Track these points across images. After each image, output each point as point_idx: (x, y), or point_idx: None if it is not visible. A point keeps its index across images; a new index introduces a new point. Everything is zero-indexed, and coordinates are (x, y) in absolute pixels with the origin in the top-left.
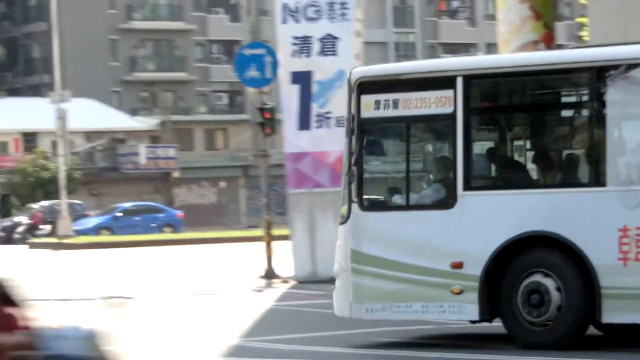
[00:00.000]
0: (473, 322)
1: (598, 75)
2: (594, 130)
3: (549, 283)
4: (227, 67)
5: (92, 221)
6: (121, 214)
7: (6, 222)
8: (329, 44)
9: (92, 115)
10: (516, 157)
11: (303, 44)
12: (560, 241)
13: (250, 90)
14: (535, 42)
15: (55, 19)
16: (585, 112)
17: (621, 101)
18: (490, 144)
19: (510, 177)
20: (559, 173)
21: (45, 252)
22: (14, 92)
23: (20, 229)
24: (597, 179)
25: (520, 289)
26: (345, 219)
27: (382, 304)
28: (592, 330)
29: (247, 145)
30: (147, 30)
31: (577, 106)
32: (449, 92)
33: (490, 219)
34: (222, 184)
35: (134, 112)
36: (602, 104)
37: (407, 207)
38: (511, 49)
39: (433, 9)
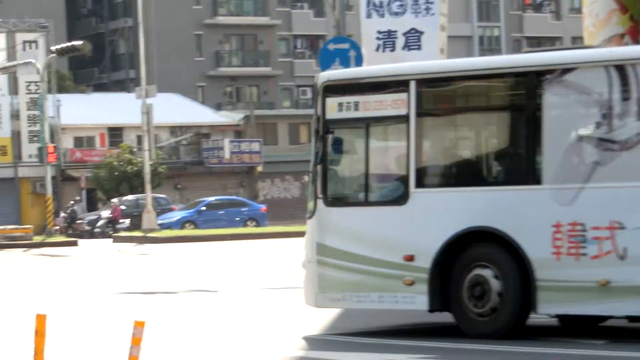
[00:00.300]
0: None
1: (536, 80)
2: (531, 132)
3: (490, 276)
4: (312, 61)
5: (176, 215)
6: (205, 208)
7: (91, 216)
8: (413, 39)
9: (177, 110)
10: (463, 156)
11: (387, 39)
12: (501, 236)
13: None
14: (621, 36)
15: (142, 15)
16: (524, 115)
17: (556, 104)
18: (440, 144)
19: (456, 175)
20: (501, 172)
21: (130, 246)
22: (100, 87)
23: (100, 222)
24: (534, 178)
25: (465, 281)
26: (311, 214)
27: (344, 294)
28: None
29: None
30: (232, 25)
31: (517, 109)
32: (403, 95)
33: (439, 214)
34: (306, 178)
35: (218, 106)
36: (539, 107)
37: (366, 202)
38: (597, 43)
39: (518, 2)
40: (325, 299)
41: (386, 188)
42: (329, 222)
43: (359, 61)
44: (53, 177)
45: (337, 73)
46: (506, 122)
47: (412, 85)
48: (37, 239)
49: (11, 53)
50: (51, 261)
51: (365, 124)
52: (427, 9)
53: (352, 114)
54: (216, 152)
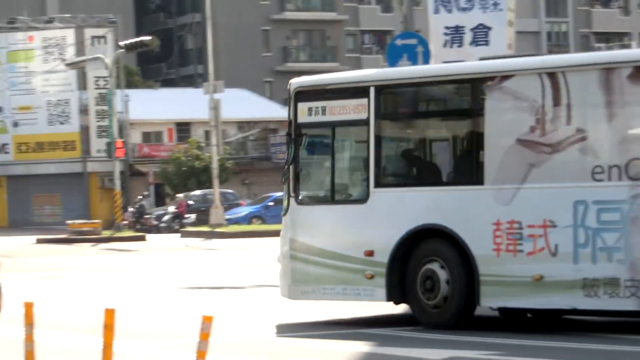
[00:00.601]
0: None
1: (478, 86)
2: (475, 135)
3: (440, 270)
4: (379, 57)
5: (243, 210)
6: (272, 203)
7: (159, 211)
8: (481, 34)
9: (244, 105)
10: (416, 158)
11: (455, 34)
12: (449, 233)
13: None
14: None
15: (209, 10)
16: (469, 119)
17: (496, 109)
18: (396, 146)
19: (410, 175)
20: (449, 172)
21: (197, 241)
22: (168, 82)
23: (165, 217)
24: (477, 178)
25: (418, 275)
26: (285, 212)
27: (313, 287)
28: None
29: None
30: (300, 20)
31: (463, 114)
32: (364, 101)
33: (395, 212)
34: None
35: (286, 102)
36: (482, 112)
37: (332, 201)
38: None
39: None
40: (297, 292)
41: (349, 188)
42: (300, 219)
43: (426, 57)
44: (121, 172)
45: (307, 79)
46: (454, 126)
47: (372, 91)
48: (106, 233)
49: (80, 48)
50: (119, 256)
51: (332, 128)
52: (495, 4)
53: (320, 118)
54: (283, 148)
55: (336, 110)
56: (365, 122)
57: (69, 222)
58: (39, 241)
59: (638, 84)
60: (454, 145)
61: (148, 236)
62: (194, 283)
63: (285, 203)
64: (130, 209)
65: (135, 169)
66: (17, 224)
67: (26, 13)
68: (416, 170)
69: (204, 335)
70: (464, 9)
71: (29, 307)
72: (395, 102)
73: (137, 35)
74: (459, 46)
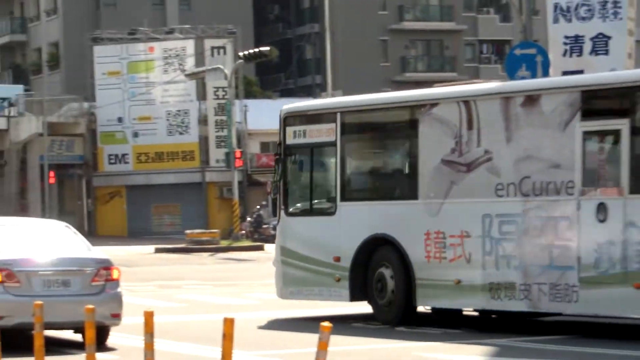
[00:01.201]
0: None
1: (415, 112)
2: (413, 156)
3: (387, 274)
4: (497, 67)
5: None
6: None
7: (277, 221)
8: (600, 43)
9: None
10: (370, 175)
11: (574, 44)
12: (394, 242)
13: None
14: None
15: (328, 20)
16: (408, 142)
17: (427, 133)
18: (356, 165)
19: (366, 190)
20: (394, 188)
21: None
22: (286, 92)
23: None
24: (414, 194)
25: (373, 278)
26: (277, 222)
27: (298, 288)
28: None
29: None
30: (418, 30)
31: (404, 137)
32: (332, 125)
33: (356, 223)
34: None
35: None
36: (417, 135)
37: (311, 213)
38: None
39: None
40: (287, 292)
41: (323, 202)
42: (288, 229)
43: (545, 67)
44: (239, 182)
45: (293, 106)
46: (398, 147)
47: (338, 117)
48: (224, 243)
49: (199, 59)
50: (237, 265)
51: (310, 149)
52: (615, 14)
53: (302, 141)
54: None
55: (314, 134)
56: (334, 144)
57: (188, 231)
58: (158, 250)
59: (528, 111)
60: (398, 164)
61: (266, 246)
62: None
63: (277, 214)
64: (248, 219)
65: (254, 179)
66: (136, 233)
67: (147, 24)
68: (370, 186)
69: (322, 345)
70: (583, 19)
71: (149, 316)
72: (355, 126)
73: (256, 46)
74: (579, 55)
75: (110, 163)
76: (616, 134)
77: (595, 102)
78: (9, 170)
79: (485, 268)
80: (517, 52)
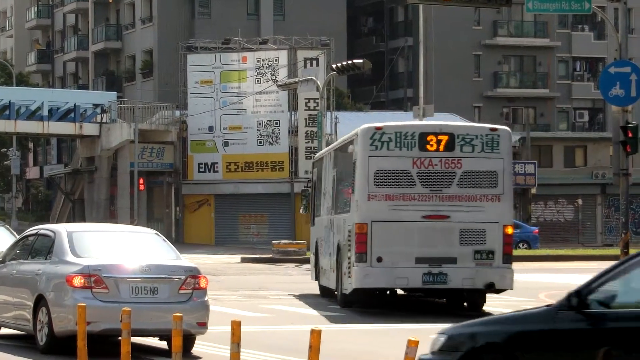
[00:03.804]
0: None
1: (332, 154)
2: (332, 184)
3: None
4: (590, 84)
5: None
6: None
7: None
8: None
9: None
10: (317, 202)
11: None
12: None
13: (614, 109)
14: None
15: (422, 34)
16: (331, 175)
17: (341, 164)
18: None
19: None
20: (334, 206)
21: None
22: (377, 105)
23: None
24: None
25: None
26: (312, 223)
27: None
28: None
29: (606, 163)
30: (512, 46)
31: (333, 171)
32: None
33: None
34: (579, 201)
35: None
36: (335, 166)
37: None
38: None
39: None
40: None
41: (325, 210)
42: (315, 229)
43: (639, 85)
44: None
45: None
46: (336, 178)
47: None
48: (310, 254)
49: (292, 70)
50: None
51: (320, 167)
52: None
53: (319, 161)
54: None
55: (323, 156)
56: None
57: (274, 241)
58: (244, 260)
59: (334, 163)
60: (338, 189)
61: None
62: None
63: (311, 218)
64: None
65: None
66: (223, 242)
67: (241, 34)
68: (331, 202)
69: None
70: None
71: (236, 325)
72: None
73: (349, 58)
74: None
75: (200, 171)
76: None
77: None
78: (99, 177)
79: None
80: (612, 70)
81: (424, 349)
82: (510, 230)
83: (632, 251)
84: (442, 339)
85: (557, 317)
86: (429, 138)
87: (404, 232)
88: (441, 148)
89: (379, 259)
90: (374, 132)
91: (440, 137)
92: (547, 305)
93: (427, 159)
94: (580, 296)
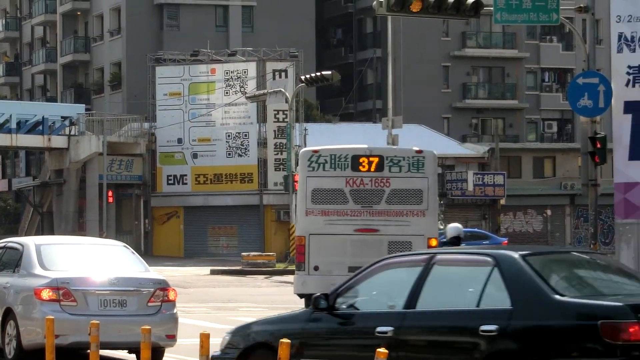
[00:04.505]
0: None
1: None
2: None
3: None
4: (558, 95)
5: None
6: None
7: None
8: None
9: (421, 141)
10: None
11: (638, 74)
12: None
13: (582, 120)
14: None
15: (391, 45)
16: None
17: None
18: None
19: None
20: None
21: None
22: (346, 117)
23: None
24: None
25: None
26: None
27: None
28: None
29: (575, 174)
30: (480, 57)
31: None
32: None
33: None
34: (548, 212)
35: (463, 138)
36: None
37: None
38: None
39: None
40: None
41: None
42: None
43: (607, 96)
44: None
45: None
46: None
47: None
48: (280, 266)
49: (261, 82)
50: (292, 289)
51: None
52: None
53: None
54: (459, 184)
55: None
56: None
57: (244, 253)
58: (213, 272)
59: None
60: None
61: None
62: None
63: None
64: None
65: None
66: (192, 254)
67: (209, 46)
68: None
69: None
70: None
71: (205, 338)
72: None
73: (318, 70)
74: None
75: (169, 184)
76: None
77: None
78: (67, 189)
79: None
80: (580, 81)
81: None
82: (434, 243)
83: None
84: (227, 337)
85: (311, 317)
86: (360, 160)
87: (338, 243)
88: (372, 169)
89: (316, 268)
90: (312, 154)
91: (370, 158)
92: (307, 307)
93: (358, 179)
94: (328, 299)
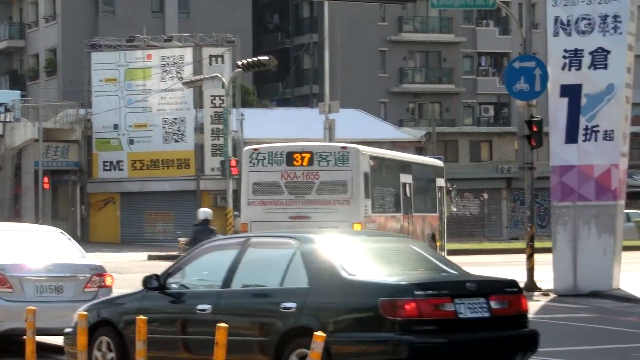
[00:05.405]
0: None
1: None
2: None
3: None
4: (495, 79)
5: None
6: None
7: None
8: (600, 58)
9: (358, 125)
10: None
11: (574, 57)
12: None
13: (519, 103)
14: None
15: (327, 30)
16: None
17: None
18: None
19: None
20: None
21: None
22: (283, 102)
23: None
24: None
25: None
26: None
27: None
28: None
29: (511, 158)
30: (417, 42)
31: None
32: None
33: None
34: (485, 195)
35: (400, 123)
36: None
37: None
38: None
39: None
40: None
41: None
42: None
43: (544, 80)
44: (234, 191)
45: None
46: None
47: None
48: None
49: (197, 67)
50: None
51: None
52: (615, 28)
53: None
54: None
55: None
56: None
57: (181, 239)
58: (151, 257)
59: None
60: None
61: None
62: None
63: None
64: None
65: None
66: (129, 240)
67: (145, 32)
68: None
69: None
70: (583, 32)
71: (142, 323)
72: None
73: (255, 55)
74: (577, 69)
75: (105, 170)
76: None
77: None
78: (3, 176)
79: None
80: (516, 65)
81: None
82: (358, 227)
83: (538, 244)
84: (77, 315)
85: (146, 296)
86: (294, 155)
87: (276, 230)
88: (304, 163)
89: None
90: (252, 152)
91: (303, 154)
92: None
93: (292, 172)
94: (159, 279)
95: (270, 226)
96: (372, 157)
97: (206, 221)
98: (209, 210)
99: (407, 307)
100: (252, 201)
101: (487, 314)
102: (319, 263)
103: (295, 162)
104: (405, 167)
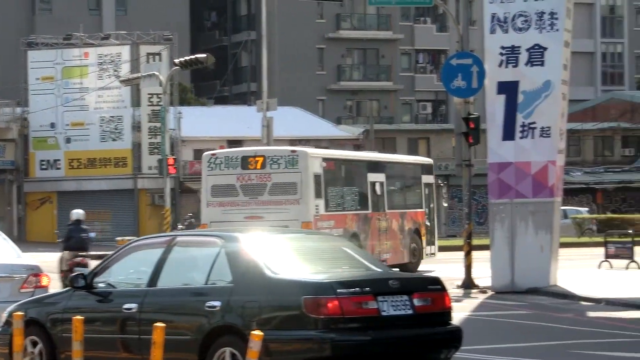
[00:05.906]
0: None
1: None
2: None
3: None
4: (433, 76)
5: None
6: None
7: None
8: (536, 54)
9: (297, 123)
10: None
11: (511, 54)
12: None
13: (456, 100)
14: None
15: (265, 28)
16: None
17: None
18: None
19: None
20: None
21: None
22: (221, 100)
23: None
24: None
25: None
26: None
27: None
28: None
29: (449, 155)
30: (355, 39)
31: None
32: None
33: None
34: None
35: (338, 120)
36: None
37: None
38: None
39: None
40: None
41: None
42: None
43: (481, 77)
44: (172, 189)
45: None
46: None
47: None
48: None
49: (135, 65)
50: None
51: None
52: (552, 25)
53: None
54: None
55: None
56: None
57: (118, 238)
58: (87, 257)
59: None
60: None
61: None
62: None
63: None
64: (180, 226)
65: (186, 186)
66: None
67: (82, 29)
68: None
69: None
70: (520, 29)
71: (78, 323)
72: None
73: (192, 53)
74: (515, 66)
75: (42, 169)
76: None
77: None
78: None
79: None
80: (454, 62)
81: None
82: (308, 226)
83: (476, 242)
84: (6, 314)
85: (73, 295)
86: (249, 159)
87: None
88: (257, 167)
89: None
90: (210, 157)
91: (256, 158)
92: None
93: (247, 175)
94: (86, 278)
95: (228, 226)
96: (326, 159)
97: (78, 221)
98: (81, 211)
99: (329, 305)
100: (211, 203)
101: (410, 312)
102: (243, 262)
103: (250, 166)
104: (375, 166)
